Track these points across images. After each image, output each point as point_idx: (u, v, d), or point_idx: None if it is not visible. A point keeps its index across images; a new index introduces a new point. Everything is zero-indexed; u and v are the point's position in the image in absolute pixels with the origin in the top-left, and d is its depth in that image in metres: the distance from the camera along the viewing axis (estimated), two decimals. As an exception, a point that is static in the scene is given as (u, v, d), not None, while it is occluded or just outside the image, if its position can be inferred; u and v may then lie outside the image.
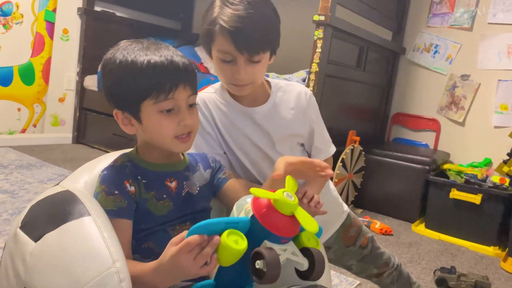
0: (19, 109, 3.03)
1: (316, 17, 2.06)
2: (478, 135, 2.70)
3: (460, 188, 2.21)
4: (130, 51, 0.75)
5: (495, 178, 2.21)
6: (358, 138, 2.38)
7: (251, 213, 0.65)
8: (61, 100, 3.25)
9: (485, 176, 2.29)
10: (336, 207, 1.19)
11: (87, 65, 3.20)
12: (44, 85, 3.13)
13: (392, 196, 2.48)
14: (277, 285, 0.75)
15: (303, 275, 0.68)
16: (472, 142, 2.72)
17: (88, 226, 0.66)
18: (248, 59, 0.92)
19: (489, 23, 2.65)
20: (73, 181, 0.82)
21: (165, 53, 0.75)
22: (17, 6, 2.90)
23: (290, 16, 2.64)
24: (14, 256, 0.70)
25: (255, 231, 0.64)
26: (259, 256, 0.61)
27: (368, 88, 2.78)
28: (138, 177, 0.77)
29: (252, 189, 0.65)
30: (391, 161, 2.47)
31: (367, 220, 2.28)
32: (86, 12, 3.16)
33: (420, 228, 2.32)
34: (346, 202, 2.41)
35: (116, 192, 0.74)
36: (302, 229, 0.70)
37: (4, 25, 2.86)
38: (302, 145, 1.09)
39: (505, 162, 2.22)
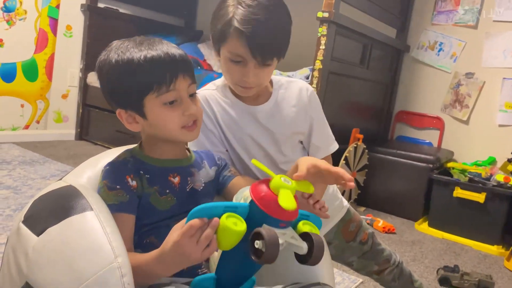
0: (22, 105, 3.04)
1: (320, 14, 2.05)
2: (483, 133, 2.69)
3: (464, 186, 2.20)
4: (124, 49, 0.75)
5: (499, 177, 2.20)
6: (361, 136, 2.37)
7: (249, 199, 0.66)
8: (64, 96, 3.25)
9: (489, 174, 2.28)
10: (336, 201, 1.19)
11: (90, 61, 3.20)
12: (47, 81, 3.13)
13: (396, 195, 2.47)
14: (276, 271, 0.75)
15: (302, 259, 0.68)
16: (476, 140, 2.71)
17: (90, 220, 0.66)
18: (259, 63, 0.91)
19: (494, 21, 2.64)
20: (76, 176, 0.82)
21: (159, 46, 0.76)
22: (21, 2, 2.90)
23: (294, 13, 2.58)
24: (17, 250, 0.70)
25: (254, 216, 0.65)
26: (259, 236, 0.61)
27: (371, 86, 2.77)
28: (141, 171, 0.77)
29: (253, 160, 0.67)
30: (394, 159, 2.47)
31: (370, 218, 2.27)
32: (90, 9, 3.16)
33: (423, 227, 2.31)
34: (349, 200, 2.40)
35: (117, 186, 0.74)
36: (301, 218, 0.71)
37: (7, 21, 2.86)
38: (302, 142, 1.08)
39: (509, 160, 2.21)
